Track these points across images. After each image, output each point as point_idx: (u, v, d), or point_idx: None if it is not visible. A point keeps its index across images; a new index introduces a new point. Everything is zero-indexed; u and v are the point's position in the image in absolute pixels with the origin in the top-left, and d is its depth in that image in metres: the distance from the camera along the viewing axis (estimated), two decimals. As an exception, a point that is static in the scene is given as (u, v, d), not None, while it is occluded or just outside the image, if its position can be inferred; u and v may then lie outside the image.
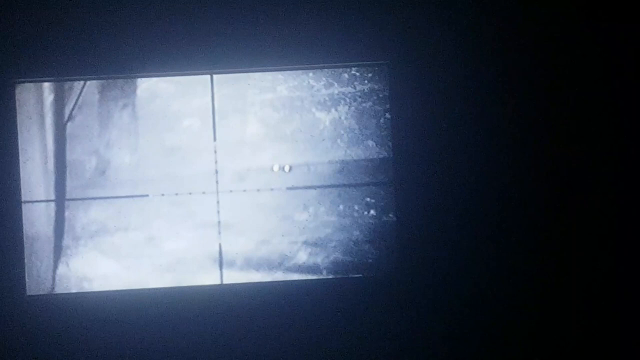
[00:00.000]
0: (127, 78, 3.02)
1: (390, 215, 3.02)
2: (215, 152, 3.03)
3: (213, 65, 3.01)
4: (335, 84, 3.05)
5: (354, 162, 3.03)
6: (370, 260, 3.02)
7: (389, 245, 3.01)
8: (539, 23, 3.01)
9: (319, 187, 3.02)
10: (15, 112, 2.99)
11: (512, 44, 3.01)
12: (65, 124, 3.04)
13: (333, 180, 3.03)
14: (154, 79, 3.04)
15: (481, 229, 2.97)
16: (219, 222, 3.01)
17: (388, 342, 2.96)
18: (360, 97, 3.05)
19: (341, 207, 3.03)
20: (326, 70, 3.04)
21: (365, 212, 3.03)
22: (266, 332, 2.96)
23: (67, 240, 3.02)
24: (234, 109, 3.05)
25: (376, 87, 3.04)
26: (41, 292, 2.99)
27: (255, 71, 3.03)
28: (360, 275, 3.00)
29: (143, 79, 3.03)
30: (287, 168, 3.03)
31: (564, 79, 3.01)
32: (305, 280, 3.01)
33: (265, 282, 2.99)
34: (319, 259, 3.03)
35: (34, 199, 3.00)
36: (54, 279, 3.01)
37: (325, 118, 3.05)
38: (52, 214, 3.01)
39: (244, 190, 3.02)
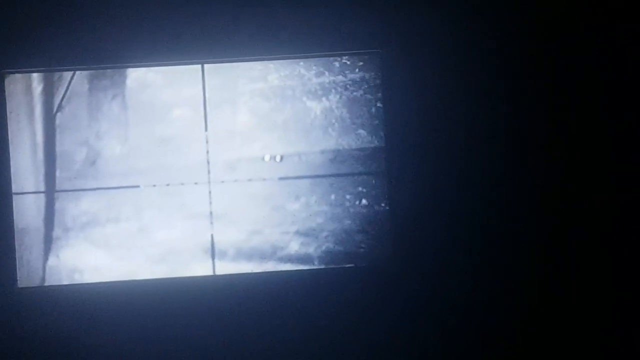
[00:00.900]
0: (117, 68, 3.00)
1: (383, 204, 3.01)
2: (207, 142, 3.01)
3: (204, 55, 2.99)
4: (326, 73, 3.03)
5: (346, 151, 3.02)
6: (362, 250, 3.01)
7: (381, 234, 3.00)
8: (532, 12, 3.00)
9: (310, 177, 3.00)
10: (5, 103, 2.97)
11: (505, 33, 2.99)
12: (55, 115, 3.02)
13: (325, 169, 3.02)
14: (144, 69, 3.01)
15: (474, 218, 2.97)
16: (210, 212, 3.00)
17: (381, 332, 2.96)
18: (351, 85, 3.03)
19: (333, 196, 3.02)
20: (317, 59, 3.02)
21: (357, 202, 3.02)
22: (259, 322, 2.95)
23: (57, 232, 3.00)
24: (225, 99, 3.03)
25: (367, 75, 3.02)
26: (32, 284, 2.98)
27: (247, 60, 3.01)
28: (353, 265, 2.99)
29: (133, 69, 3.01)
30: (278, 158, 3.02)
31: (558, 71, 3.00)
32: (298, 270, 3.00)
33: (258, 273, 2.98)
34: (311, 249, 3.02)
35: (24, 190, 2.98)
36: (44, 271, 3.00)
37: (316, 107, 3.03)
38: (43, 205, 2.99)
39: (236, 181, 3.00)
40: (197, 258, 3.01)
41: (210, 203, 3.00)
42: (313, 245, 3.02)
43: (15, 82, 3.00)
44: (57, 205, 3.00)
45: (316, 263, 3.01)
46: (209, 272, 3.00)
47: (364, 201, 3.02)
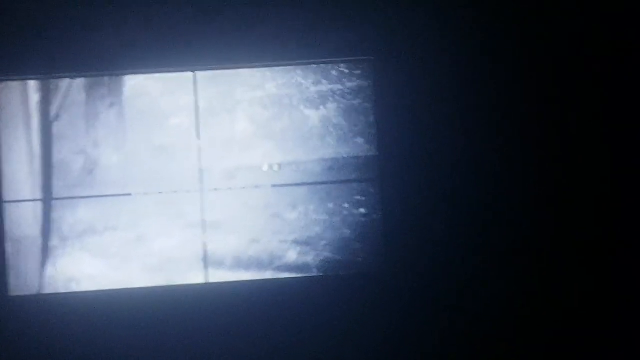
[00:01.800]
0: (110, 75, 2.99)
1: (380, 212, 3.00)
2: (199, 150, 3.00)
3: (196, 63, 2.99)
4: (324, 82, 3.03)
5: (343, 159, 3.02)
6: (359, 259, 3.00)
7: (378, 242, 2.99)
8: (525, 18, 3.01)
9: (305, 184, 3.00)
10: None
11: (499, 40, 3.00)
12: (52, 123, 3.00)
13: (323, 178, 3.01)
14: (141, 78, 3.01)
15: (467, 225, 2.97)
16: (203, 220, 2.98)
17: (376, 339, 2.94)
18: (348, 94, 3.03)
19: (331, 205, 3.01)
20: (315, 67, 3.03)
21: (355, 210, 3.01)
22: (252, 330, 2.95)
23: (54, 241, 2.98)
24: (223, 107, 3.03)
25: (364, 84, 3.03)
26: (27, 293, 2.95)
27: (239, 68, 3.01)
28: (348, 273, 2.98)
29: (129, 77, 3.01)
30: (276, 167, 3.01)
31: (552, 76, 3.01)
32: (292, 278, 2.99)
33: (250, 281, 2.97)
34: (309, 258, 3.00)
35: (21, 198, 2.96)
36: (41, 280, 2.97)
37: (314, 115, 3.03)
38: (39, 214, 2.97)
39: (230, 189, 2.99)
40: (193, 266, 2.99)
41: (203, 211, 2.98)
42: (311, 254, 3.00)
43: (11, 90, 2.99)
44: (54, 214, 2.98)
45: (315, 272, 3.00)
46: (202, 281, 2.98)
47: (361, 209, 3.01)
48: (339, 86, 3.03)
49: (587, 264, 2.96)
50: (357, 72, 3.03)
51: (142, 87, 3.01)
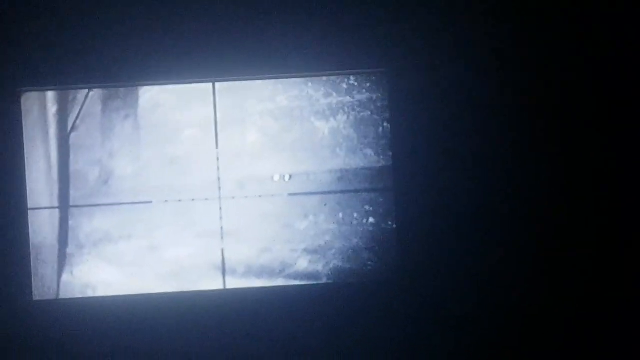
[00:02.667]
0: (130, 86, 3.06)
1: (390, 222, 3.05)
2: (217, 159, 3.07)
3: (215, 74, 3.04)
4: (334, 94, 3.08)
5: (353, 170, 3.07)
6: (370, 268, 3.06)
7: (388, 252, 3.04)
8: (539, 29, 3.02)
9: (319, 193, 3.05)
10: (21, 120, 3.04)
11: (512, 51, 3.02)
12: (69, 134, 3.08)
13: (332, 189, 3.06)
14: (156, 90, 3.08)
15: (480, 235, 3.00)
16: (221, 227, 3.05)
17: (387, 346, 3.00)
18: (358, 106, 3.08)
19: (341, 215, 3.07)
20: (325, 80, 3.07)
21: (365, 220, 3.07)
22: (268, 336, 3.00)
23: (71, 248, 3.07)
24: (235, 119, 3.08)
25: (374, 96, 3.07)
26: (47, 298, 3.05)
27: (256, 79, 3.06)
28: (360, 281, 3.03)
29: (145, 89, 3.07)
30: (287, 177, 3.07)
31: (564, 85, 3.02)
32: (306, 285, 3.05)
33: (267, 287, 3.04)
34: (319, 266, 3.07)
35: (40, 206, 3.05)
36: (58, 286, 3.07)
37: (324, 127, 3.08)
38: (57, 222, 3.06)
39: (246, 197, 3.05)
40: (208, 275, 3.07)
41: (221, 219, 3.05)
42: (321, 262, 3.07)
43: (32, 101, 3.07)
44: (71, 222, 3.07)
45: (324, 280, 3.06)
46: (220, 287, 3.06)
47: (371, 219, 3.06)
48: (349, 98, 3.07)
49: (605, 265, 2.98)
50: (367, 84, 3.07)
51: (156, 99, 3.07)
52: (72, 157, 3.08)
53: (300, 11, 3.04)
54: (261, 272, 3.07)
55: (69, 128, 3.09)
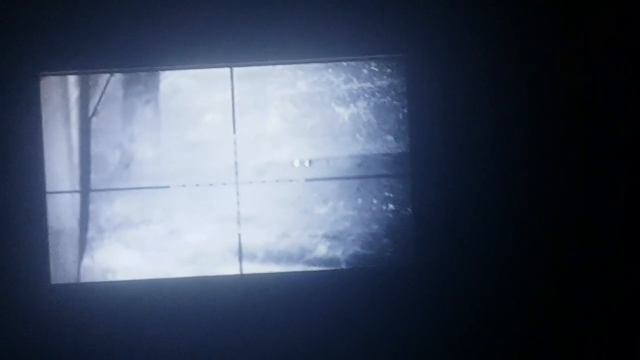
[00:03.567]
0: (148, 71, 3.07)
1: (409, 209, 3.05)
2: (235, 143, 3.07)
3: (233, 59, 3.05)
4: (355, 80, 3.08)
5: (373, 156, 3.07)
6: (388, 253, 3.05)
7: (407, 238, 3.04)
8: (564, 13, 3.00)
9: (337, 178, 3.05)
10: (40, 105, 3.05)
11: (534, 37, 3.00)
12: (91, 118, 3.10)
13: (352, 175, 3.06)
14: (177, 74, 3.09)
15: (498, 221, 2.99)
16: (238, 212, 3.06)
17: (405, 332, 2.99)
18: (379, 92, 3.08)
19: (360, 201, 3.07)
20: (345, 65, 3.07)
21: (384, 206, 3.07)
22: (284, 321, 3.01)
23: (91, 233, 3.08)
24: (255, 105, 3.09)
25: (395, 82, 3.07)
26: (66, 282, 3.06)
27: (274, 64, 3.07)
28: (378, 266, 3.03)
29: (166, 74, 3.08)
30: (307, 163, 3.07)
31: (588, 72, 3.00)
32: (323, 271, 3.05)
33: (284, 273, 3.04)
34: (338, 252, 3.07)
35: (60, 190, 3.07)
36: (79, 270, 3.08)
37: (344, 113, 3.08)
38: (78, 207, 3.07)
39: (263, 182, 3.06)
40: (226, 259, 3.07)
41: (238, 203, 3.06)
42: (340, 248, 3.07)
43: (52, 86, 3.08)
44: (92, 207, 3.08)
45: (344, 266, 3.06)
46: (237, 272, 3.06)
47: (390, 205, 3.06)
48: (370, 84, 3.07)
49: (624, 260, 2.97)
50: (388, 70, 3.07)
51: (177, 84, 3.08)
52: (93, 141, 3.09)
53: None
54: (280, 257, 3.07)
55: (90, 112, 3.09)
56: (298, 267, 3.07)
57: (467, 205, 3.00)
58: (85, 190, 3.09)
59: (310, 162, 3.07)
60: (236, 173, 3.07)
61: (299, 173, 3.07)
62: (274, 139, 3.08)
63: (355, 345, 3.00)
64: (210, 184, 3.07)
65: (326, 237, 3.07)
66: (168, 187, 3.07)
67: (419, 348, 3.00)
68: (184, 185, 3.06)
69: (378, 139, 3.08)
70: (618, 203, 2.98)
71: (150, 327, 3.00)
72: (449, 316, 3.00)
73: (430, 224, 3.00)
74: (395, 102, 3.07)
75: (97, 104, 3.10)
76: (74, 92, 3.10)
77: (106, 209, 3.08)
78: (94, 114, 3.10)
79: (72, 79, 3.09)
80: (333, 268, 3.05)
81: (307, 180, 3.07)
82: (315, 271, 3.05)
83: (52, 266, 3.05)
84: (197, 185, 3.07)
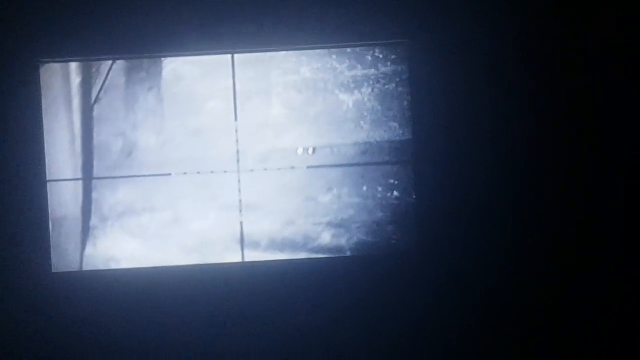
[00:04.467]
0: (149, 58, 3.04)
1: (414, 196, 3.04)
2: (236, 131, 3.05)
3: (234, 45, 3.03)
4: (359, 66, 3.07)
5: (377, 144, 3.05)
6: (393, 241, 3.05)
7: (411, 225, 3.03)
8: (570, 4, 2.99)
9: (340, 166, 3.04)
10: (40, 93, 3.03)
11: (538, 25, 2.99)
12: (93, 106, 3.07)
13: (357, 162, 3.05)
14: (180, 61, 3.06)
15: (501, 208, 2.98)
16: (240, 200, 3.04)
17: (409, 319, 2.99)
18: (383, 79, 3.06)
19: (365, 188, 3.06)
20: (350, 52, 3.06)
21: (389, 194, 3.06)
22: (288, 309, 3.00)
23: (94, 221, 3.06)
24: (258, 91, 3.07)
25: (399, 69, 3.05)
26: (68, 270, 3.04)
27: (276, 50, 3.04)
28: (382, 253, 3.02)
29: (168, 61, 3.06)
30: (311, 151, 3.06)
31: (592, 62, 2.99)
32: (327, 258, 3.03)
33: (286, 260, 3.03)
34: (342, 240, 3.06)
35: (60, 178, 3.04)
36: (82, 259, 3.06)
37: (348, 100, 3.07)
38: (80, 195, 3.05)
39: (266, 169, 3.04)
40: (230, 248, 3.06)
41: (240, 191, 3.04)
42: (345, 236, 3.06)
43: (53, 74, 3.06)
44: (95, 195, 3.06)
45: (348, 254, 3.05)
46: (239, 260, 3.05)
47: (395, 193, 3.05)
48: (374, 71, 3.06)
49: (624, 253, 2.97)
50: (392, 57, 3.06)
51: (180, 71, 3.06)
52: (95, 129, 3.06)
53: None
54: (284, 246, 3.05)
55: (93, 100, 3.07)
56: (302, 256, 3.05)
57: (471, 192, 2.99)
58: (87, 178, 3.06)
59: (314, 149, 3.06)
60: (238, 161, 3.05)
61: (303, 161, 3.06)
62: (277, 127, 3.07)
63: (359, 333, 3.00)
64: (212, 172, 3.05)
65: (330, 225, 3.06)
66: (170, 174, 3.05)
67: (423, 335, 2.99)
68: (185, 173, 3.04)
69: (382, 126, 3.06)
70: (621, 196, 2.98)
71: (153, 316, 3.00)
72: (453, 303, 2.99)
73: (433, 211, 2.99)
74: (400, 89, 3.06)
75: (100, 91, 3.07)
76: (75, 80, 3.07)
77: (109, 197, 3.06)
78: (96, 101, 3.07)
79: (73, 66, 3.07)
80: (337, 255, 3.04)
81: (309, 167, 3.05)
82: (318, 258, 3.04)
83: (54, 255, 3.03)
84: (198, 173, 3.05)
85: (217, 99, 3.07)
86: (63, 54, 3.03)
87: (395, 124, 3.06)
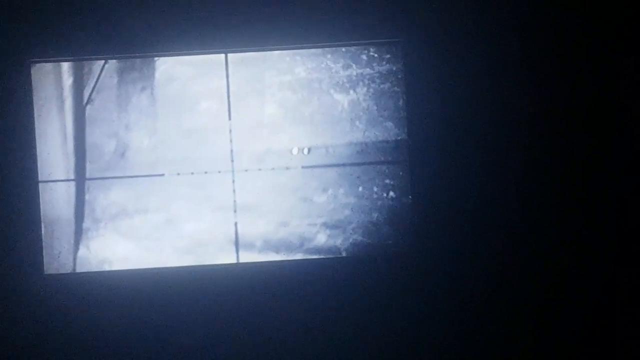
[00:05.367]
0: (141, 57, 3.02)
1: (410, 196, 3.03)
2: (230, 131, 3.03)
3: (227, 45, 3.00)
4: (354, 66, 3.05)
5: (373, 143, 3.04)
6: (389, 242, 3.03)
7: (407, 226, 3.02)
8: (561, 3, 2.99)
9: (335, 165, 3.03)
10: (31, 92, 3.00)
11: (533, 22, 2.98)
12: (85, 106, 3.04)
13: (352, 162, 3.03)
14: (173, 61, 3.04)
15: (497, 208, 2.97)
16: (234, 201, 3.02)
17: (404, 320, 2.98)
18: (378, 78, 3.05)
19: (360, 188, 3.04)
20: (344, 51, 3.04)
21: (385, 194, 3.04)
22: (282, 310, 2.98)
23: (87, 222, 3.03)
24: (252, 91, 3.05)
25: (394, 68, 3.04)
26: (61, 272, 3.01)
27: (269, 49, 3.02)
28: (378, 254, 3.01)
29: (161, 61, 3.03)
30: (305, 151, 3.04)
31: (589, 61, 2.99)
32: (322, 259, 3.02)
33: (280, 261, 3.01)
34: (338, 241, 3.04)
35: (52, 179, 3.02)
36: (74, 261, 3.03)
37: (343, 100, 3.05)
38: (73, 196, 3.02)
39: (260, 170, 3.02)
40: (224, 249, 3.04)
41: (234, 192, 3.02)
42: (341, 237, 3.04)
43: (44, 73, 3.03)
44: (87, 196, 3.03)
45: (344, 255, 3.03)
46: (233, 261, 3.03)
47: (391, 193, 3.04)
48: (369, 70, 3.04)
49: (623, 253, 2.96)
50: (387, 56, 3.04)
51: (172, 70, 3.04)
52: (87, 129, 3.03)
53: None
54: (279, 246, 3.04)
55: (85, 100, 3.04)
56: (297, 256, 3.04)
57: (467, 192, 2.98)
58: (80, 179, 3.03)
59: (309, 149, 3.04)
60: (232, 161, 3.03)
61: (298, 161, 3.04)
62: (271, 127, 3.04)
63: (355, 334, 2.99)
64: (206, 172, 3.03)
65: (326, 225, 3.04)
66: (163, 175, 3.02)
67: (418, 336, 2.98)
68: (178, 174, 3.02)
69: (378, 125, 3.05)
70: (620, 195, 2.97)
71: (147, 317, 2.98)
72: (449, 304, 2.98)
73: (429, 211, 2.98)
74: (395, 89, 3.04)
75: (92, 91, 3.04)
76: (67, 80, 3.04)
77: (102, 198, 3.03)
78: (88, 101, 3.05)
79: (65, 66, 3.04)
80: (332, 256, 3.02)
81: (304, 167, 3.03)
82: (313, 259, 3.02)
83: (46, 256, 3.00)
84: (192, 173, 3.02)
85: (211, 98, 3.04)
86: (55, 54, 3.01)
87: (391, 124, 3.04)
